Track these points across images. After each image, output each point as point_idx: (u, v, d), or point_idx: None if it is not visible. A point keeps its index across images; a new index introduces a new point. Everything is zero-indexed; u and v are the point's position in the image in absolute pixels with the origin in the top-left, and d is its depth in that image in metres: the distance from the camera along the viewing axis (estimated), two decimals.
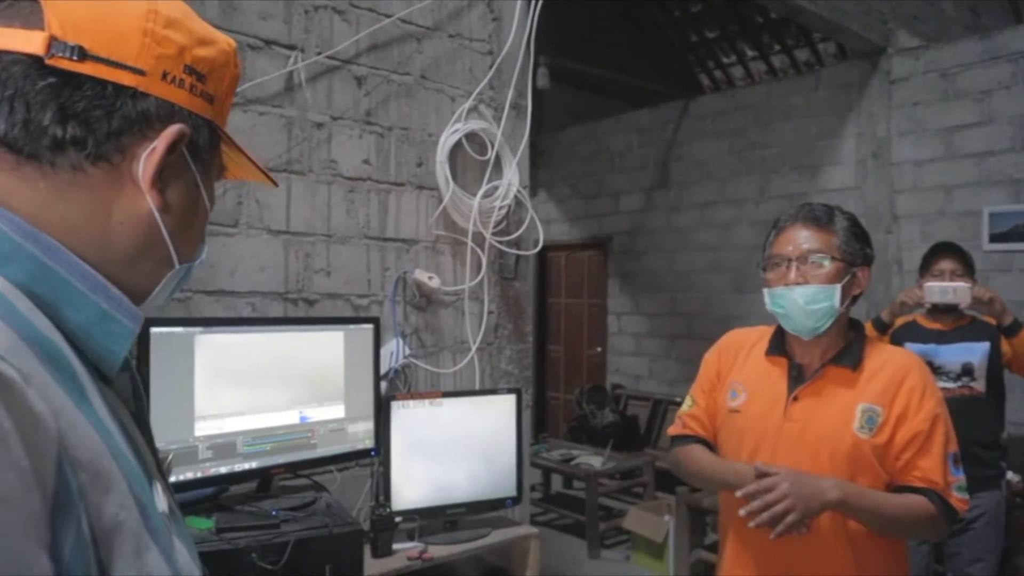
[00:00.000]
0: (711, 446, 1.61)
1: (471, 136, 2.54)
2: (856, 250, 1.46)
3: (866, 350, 1.49)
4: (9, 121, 0.54)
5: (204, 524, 1.58)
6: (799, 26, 5.36)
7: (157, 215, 0.60)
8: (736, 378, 1.57)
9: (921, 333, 2.78)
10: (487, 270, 2.58)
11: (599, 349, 6.78)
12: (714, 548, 3.59)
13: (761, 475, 1.34)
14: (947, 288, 2.62)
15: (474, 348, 2.55)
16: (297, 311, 2.18)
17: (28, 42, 0.54)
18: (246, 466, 1.77)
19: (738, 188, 5.59)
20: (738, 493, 1.32)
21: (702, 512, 3.80)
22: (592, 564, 4.32)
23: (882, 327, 2.84)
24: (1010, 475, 3.14)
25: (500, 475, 2.24)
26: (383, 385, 2.19)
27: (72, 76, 0.54)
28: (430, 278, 2.41)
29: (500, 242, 2.57)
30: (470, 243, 2.52)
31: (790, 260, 1.45)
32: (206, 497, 1.75)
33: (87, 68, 0.55)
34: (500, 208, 2.56)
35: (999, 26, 4.76)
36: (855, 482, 1.38)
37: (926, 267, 2.82)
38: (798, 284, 1.43)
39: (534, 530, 2.27)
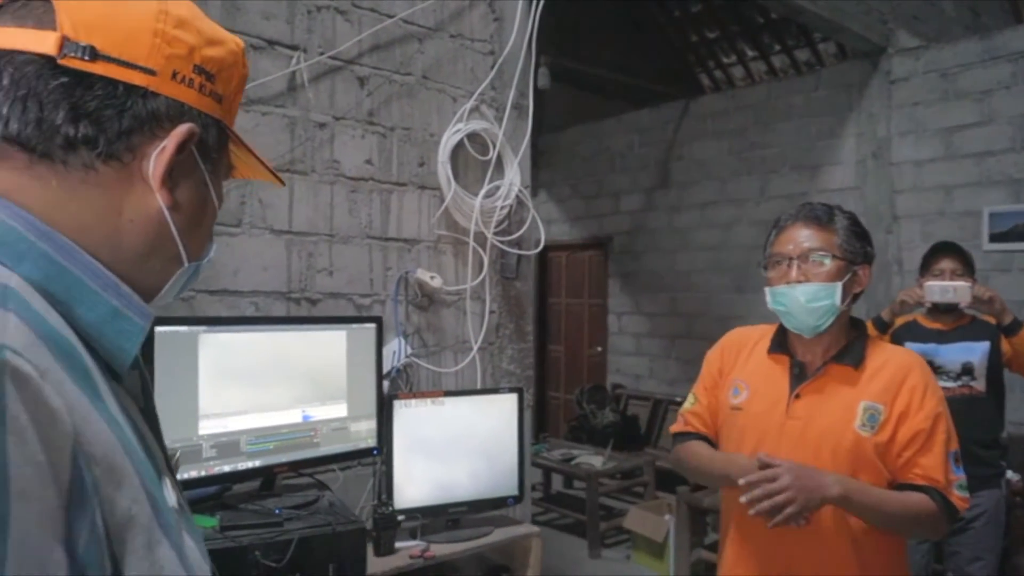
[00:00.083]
0: (713, 443, 1.62)
1: (473, 136, 2.55)
2: (857, 249, 1.47)
3: (868, 348, 1.49)
4: (22, 120, 0.54)
5: (208, 522, 1.59)
6: (799, 26, 5.37)
7: (167, 213, 0.60)
8: (738, 376, 1.58)
9: (921, 332, 2.79)
10: (489, 270, 2.58)
11: (599, 349, 6.78)
12: (714, 548, 3.59)
13: (764, 466, 1.34)
14: (947, 287, 2.63)
15: (475, 348, 2.56)
16: (300, 310, 2.18)
17: (41, 42, 0.54)
18: (249, 465, 1.77)
19: (738, 188, 5.60)
20: (740, 481, 1.33)
21: (702, 512, 3.80)
22: (593, 564, 4.32)
23: (882, 326, 2.84)
24: (1010, 474, 3.15)
25: (502, 474, 2.25)
26: (385, 384, 2.19)
27: (84, 76, 0.55)
28: (432, 278, 2.42)
29: (502, 242, 2.57)
30: (472, 243, 2.52)
31: (791, 258, 1.46)
32: (209, 496, 1.76)
33: (99, 68, 0.55)
34: (502, 208, 2.57)
35: (999, 26, 4.77)
36: (855, 479, 1.39)
37: (926, 267, 2.82)
38: (799, 282, 1.44)
39: (535, 529, 2.28)
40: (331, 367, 1.96)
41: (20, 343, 0.45)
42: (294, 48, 2.16)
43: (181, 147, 0.59)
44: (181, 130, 0.59)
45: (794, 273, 1.45)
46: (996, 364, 2.71)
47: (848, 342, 1.50)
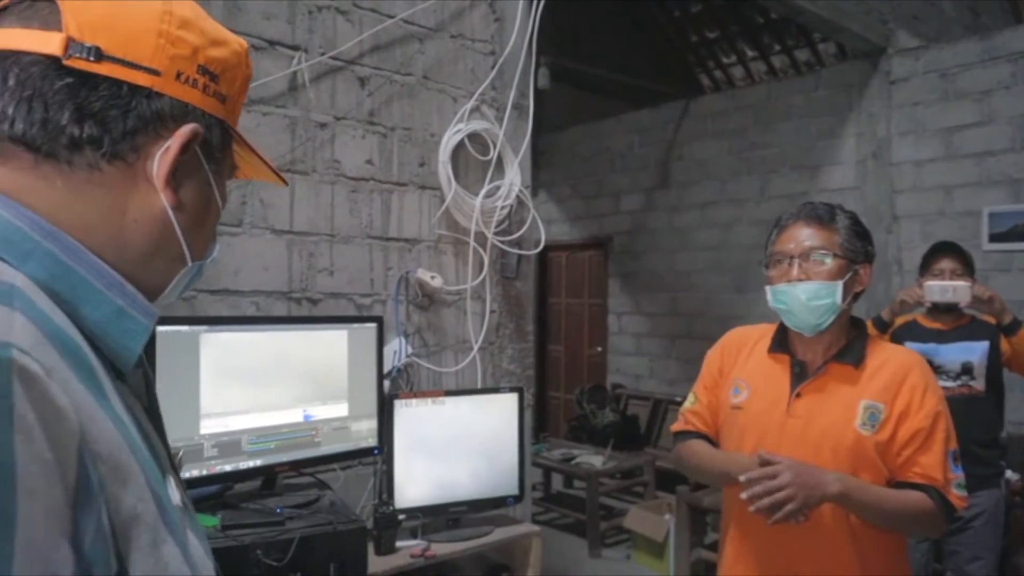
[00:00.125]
0: (713, 442, 1.62)
1: (473, 136, 2.55)
2: (858, 248, 1.48)
3: (868, 348, 1.50)
4: (28, 121, 0.55)
5: (210, 521, 1.59)
6: (799, 26, 5.37)
7: (171, 213, 0.61)
8: (739, 375, 1.58)
9: (921, 332, 2.79)
10: (489, 270, 2.59)
11: (599, 349, 6.79)
12: (714, 547, 3.60)
13: (765, 463, 1.35)
14: (947, 287, 2.63)
15: (476, 347, 2.56)
16: (301, 310, 2.19)
17: (46, 43, 0.55)
18: (251, 464, 1.78)
19: (738, 188, 5.60)
20: (741, 477, 1.33)
21: (702, 511, 3.81)
22: (593, 563, 4.32)
23: (882, 326, 2.85)
24: (1009, 474, 3.15)
25: (502, 473, 2.25)
26: (386, 384, 2.20)
27: (89, 76, 0.55)
28: (432, 277, 2.42)
29: (502, 242, 2.58)
30: (472, 243, 2.53)
31: (792, 257, 1.47)
32: (211, 495, 1.76)
33: (103, 68, 0.56)
34: (502, 208, 2.57)
35: (999, 26, 4.77)
36: (855, 477, 1.39)
37: (926, 266, 2.83)
38: (800, 280, 1.45)
39: (536, 528, 2.28)
40: (332, 367, 1.97)
41: (27, 342, 0.45)
42: (295, 48, 2.17)
43: (185, 147, 0.60)
44: (185, 130, 0.60)
45: (795, 271, 1.46)
46: (996, 364, 2.71)
47: (848, 341, 1.50)
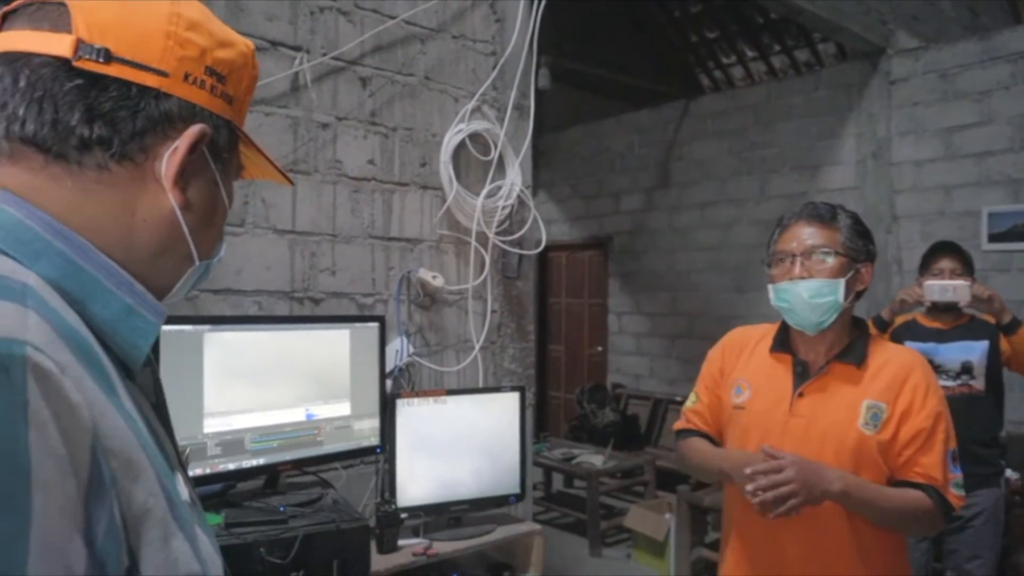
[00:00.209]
0: (714, 440, 1.64)
1: (474, 136, 2.56)
2: (859, 246, 1.49)
3: (870, 347, 1.51)
4: (38, 121, 0.55)
5: (213, 519, 1.60)
6: (799, 26, 5.37)
7: (179, 213, 0.61)
8: (741, 375, 1.59)
9: (921, 332, 2.80)
10: (490, 269, 2.59)
11: (600, 348, 6.79)
12: (715, 546, 3.61)
13: (770, 457, 1.36)
14: (947, 286, 2.64)
15: (477, 347, 2.57)
16: (303, 310, 2.19)
17: (56, 45, 0.55)
18: (254, 463, 1.78)
19: (738, 188, 5.61)
20: (747, 470, 1.33)
21: (703, 510, 3.81)
22: (593, 562, 4.33)
23: (882, 325, 2.85)
24: (1009, 473, 3.16)
25: (504, 472, 2.26)
26: (388, 383, 2.21)
27: (98, 78, 0.56)
28: (434, 277, 2.43)
29: (503, 241, 2.58)
30: (473, 242, 2.53)
31: (794, 256, 1.48)
32: (214, 494, 1.77)
33: (113, 70, 0.56)
34: (503, 208, 2.58)
35: (998, 26, 4.78)
36: (856, 475, 1.40)
37: (926, 266, 2.83)
38: (802, 279, 1.45)
39: (537, 527, 2.29)
40: (334, 366, 1.97)
41: (41, 339, 0.46)
42: (297, 49, 2.17)
43: (193, 147, 0.60)
44: (193, 131, 0.60)
45: (797, 269, 1.46)
46: (995, 363, 2.72)
47: (851, 341, 1.51)
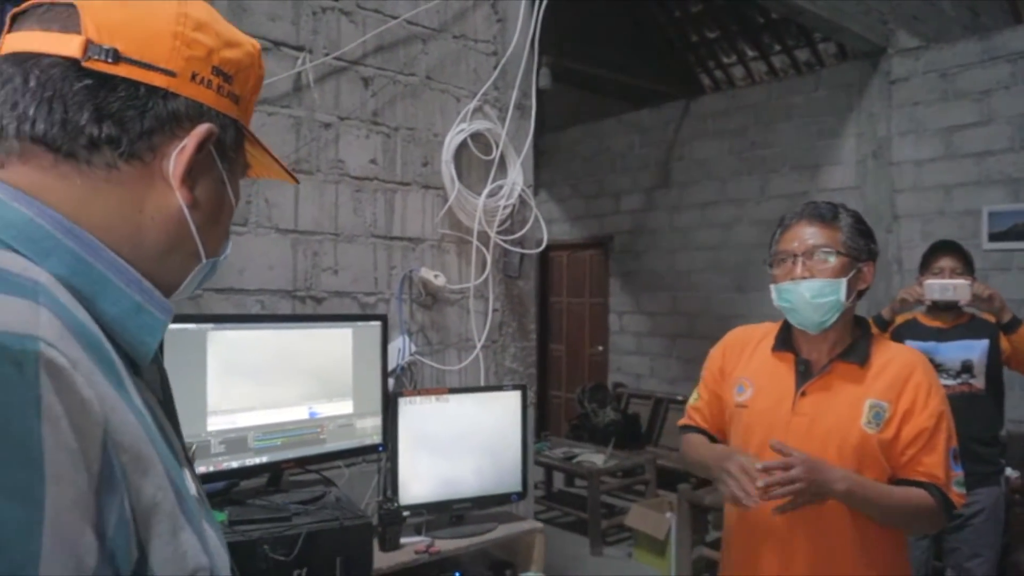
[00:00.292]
0: (712, 437, 1.66)
1: (476, 136, 2.57)
2: (861, 246, 1.49)
3: (873, 346, 1.51)
4: (48, 121, 0.56)
5: (217, 517, 1.60)
6: (799, 26, 5.38)
7: (186, 211, 0.62)
8: (743, 373, 1.60)
9: (921, 331, 2.80)
10: (492, 268, 2.60)
11: (600, 348, 6.80)
12: (716, 545, 3.62)
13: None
14: (947, 285, 2.64)
15: (479, 345, 2.58)
16: (305, 309, 2.20)
17: (66, 45, 0.56)
18: (257, 461, 1.79)
19: (739, 188, 5.62)
20: (758, 465, 1.34)
21: (704, 509, 3.82)
22: (594, 561, 4.34)
23: (882, 325, 2.86)
24: (1009, 471, 3.17)
25: (505, 470, 2.27)
26: (390, 382, 2.21)
27: (107, 78, 0.57)
28: (436, 276, 2.44)
29: (504, 241, 2.59)
30: (475, 242, 2.54)
31: (796, 256, 1.48)
32: (218, 492, 1.77)
33: (121, 70, 0.57)
34: (504, 207, 2.58)
35: (998, 26, 4.78)
36: (859, 474, 1.41)
37: (926, 265, 2.84)
38: (804, 279, 1.46)
39: (539, 525, 2.30)
40: (337, 365, 1.98)
41: (53, 335, 0.47)
42: (299, 49, 2.18)
43: (200, 146, 0.61)
44: (200, 130, 0.61)
45: (799, 270, 1.47)
46: (995, 362, 2.72)
47: (853, 340, 1.52)
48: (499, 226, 2.57)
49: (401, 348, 2.36)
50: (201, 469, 1.67)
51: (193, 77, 0.61)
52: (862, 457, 1.42)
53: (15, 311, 0.46)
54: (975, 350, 2.71)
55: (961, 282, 2.64)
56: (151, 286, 0.61)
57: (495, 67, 2.66)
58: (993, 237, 4.19)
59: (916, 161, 4.51)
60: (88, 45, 0.56)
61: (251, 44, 0.68)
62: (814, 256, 1.47)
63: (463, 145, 2.53)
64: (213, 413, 1.71)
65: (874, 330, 2.70)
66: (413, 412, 2.13)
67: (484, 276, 2.59)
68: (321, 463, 1.97)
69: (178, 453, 0.64)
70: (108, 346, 0.54)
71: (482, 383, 2.57)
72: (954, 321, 2.78)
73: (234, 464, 1.75)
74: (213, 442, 1.70)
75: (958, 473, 1.44)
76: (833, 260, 1.46)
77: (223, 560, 0.63)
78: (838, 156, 5.00)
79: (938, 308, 2.76)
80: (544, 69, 4.66)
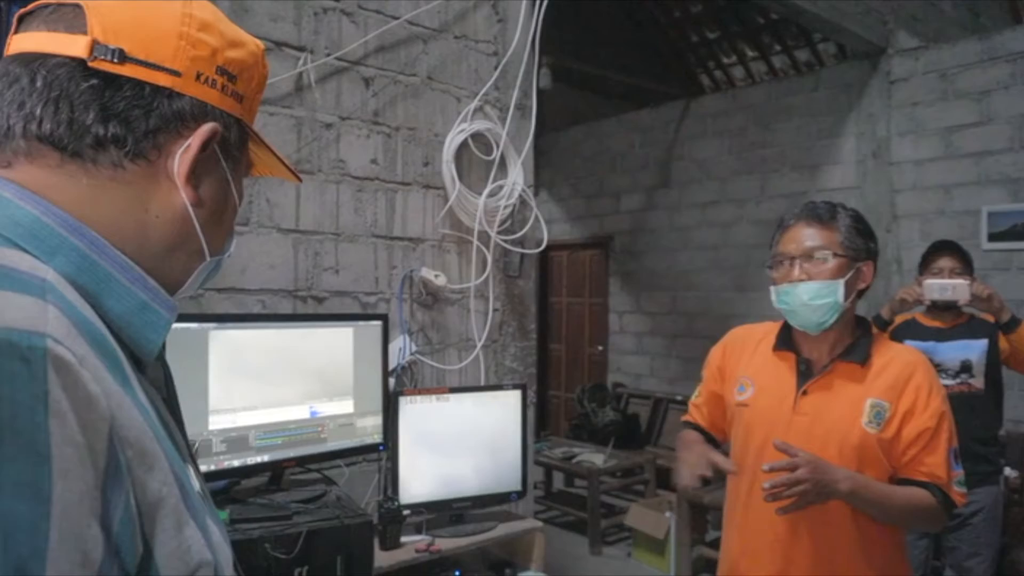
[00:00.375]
0: (707, 434, 1.68)
1: (476, 136, 2.57)
2: (859, 245, 1.49)
3: (874, 346, 1.52)
4: (55, 120, 0.57)
5: (219, 515, 1.61)
6: (799, 26, 5.39)
7: (191, 209, 0.63)
8: (744, 372, 1.60)
9: (921, 331, 2.81)
10: (492, 268, 2.60)
11: (600, 348, 6.80)
12: (715, 544, 3.62)
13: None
14: (946, 285, 2.64)
15: (479, 345, 2.58)
16: (306, 308, 2.21)
17: (72, 46, 0.57)
18: (258, 459, 1.80)
19: (739, 187, 5.62)
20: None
21: (703, 509, 3.83)
22: (594, 561, 4.34)
23: (882, 324, 2.86)
24: (1008, 471, 3.17)
25: (505, 469, 2.27)
26: (391, 381, 2.22)
27: (113, 78, 0.57)
28: (436, 276, 2.44)
29: (505, 241, 2.60)
30: (476, 242, 2.55)
31: (794, 258, 1.49)
32: (219, 490, 1.78)
33: (127, 70, 0.58)
34: (505, 207, 2.59)
35: (998, 26, 4.79)
36: (862, 474, 1.41)
37: (925, 265, 2.84)
38: (802, 281, 1.46)
39: (539, 524, 2.30)
40: (338, 364, 1.98)
41: (60, 332, 0.47)
42: (301, 49, 2.19)
43: (205, 145, 0.62)
44: (205, 129, 0.61)
45: (796, 272, 1.47)
46: (995, 362, 2.73)
47: (854, 340, 1.52)
48: (499, 226, 2.58)
49: (402, 348, 2.36)
50: (203, 468, 1.68)
51: (198, 77, 0.61)
52: (863, 456, 1.43)
53: (23, 308, 0.47)
54: (974, 350, 2.72)
55: (960, 282, 2.64)
56: (156, 284, 0.61)
57: (496, 67, 2.66)
58: (992, 237, 4.19)
59: (916, 161, 4.51)
60: (94, 45, 0.56)
61: (255, 44, 0.68)
62: (811, 258, 1.47)
63: (464, 145, 2.54)
64: (214, 412, 1.71)
65: (874, 330, 2.71)
66: (413, 411, 2.14)
67: (484, 276, 2.59)
68: (322, 462, 1.98)
69: (182, 449, 0.65)
70: (113, 343, 0.55)
71: (482, 383, 2.58)
72: (953, 321, 2.78)
73: (235, 463, 1.75)
74: (214, 441, 1.71)
75: (959, 473, 1.45)
76: (831, 261, 1.46)
77: (226, 555, 0.63)
78: (838, 156, 5.00)
79: (937, 308, 2.76)
80: (544, 69, 4.67)
